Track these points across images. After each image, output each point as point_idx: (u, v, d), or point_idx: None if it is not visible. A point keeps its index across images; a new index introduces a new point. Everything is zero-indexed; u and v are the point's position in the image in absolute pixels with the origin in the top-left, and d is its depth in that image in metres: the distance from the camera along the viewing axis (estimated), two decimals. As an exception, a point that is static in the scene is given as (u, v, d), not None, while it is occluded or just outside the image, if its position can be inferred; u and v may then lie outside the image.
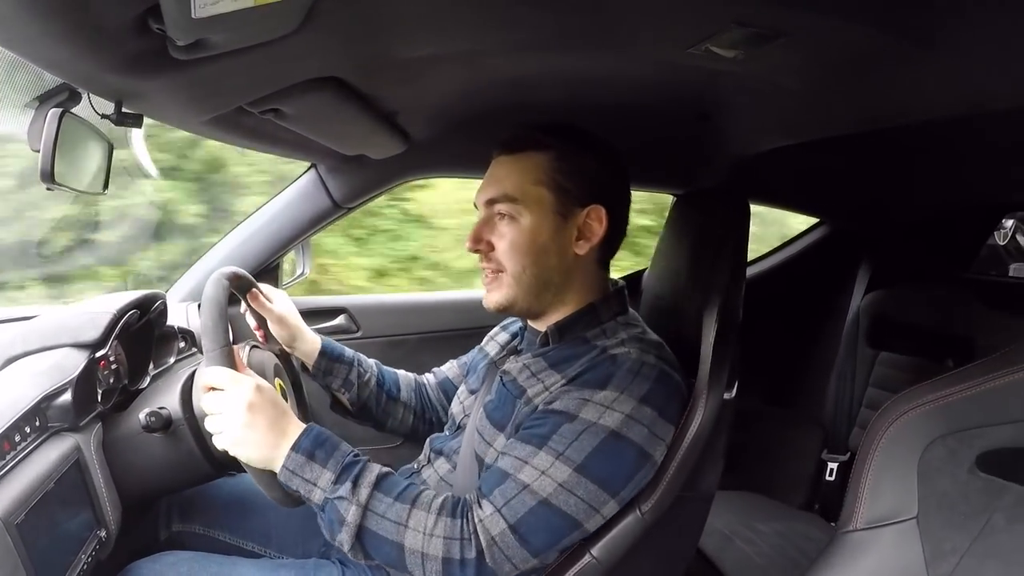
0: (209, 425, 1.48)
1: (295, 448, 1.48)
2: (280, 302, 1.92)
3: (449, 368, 2.26)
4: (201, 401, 1.49)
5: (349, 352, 2.05)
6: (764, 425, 3.40)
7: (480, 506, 1.49)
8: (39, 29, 0.99)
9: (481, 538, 1.45)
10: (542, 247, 1.65)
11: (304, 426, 1.53)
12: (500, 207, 1.66)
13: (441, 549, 1.46)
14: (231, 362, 1.48)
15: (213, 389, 1.47)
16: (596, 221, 1.68)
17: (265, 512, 1.96)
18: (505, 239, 1.66)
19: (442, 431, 2.09)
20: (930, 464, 1.27)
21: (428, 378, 2.27)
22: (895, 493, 1.30)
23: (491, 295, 1.71)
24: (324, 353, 1.98)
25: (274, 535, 1.98)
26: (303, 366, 2.02)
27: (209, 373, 1.46)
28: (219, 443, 1.47)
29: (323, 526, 1.52)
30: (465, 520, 1.48)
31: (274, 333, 1.93)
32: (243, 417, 1.44)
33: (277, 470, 1.49)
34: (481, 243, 1.69)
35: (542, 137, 1.67)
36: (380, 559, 1.50)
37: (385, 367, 2.16)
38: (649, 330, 1.74)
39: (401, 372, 2.20)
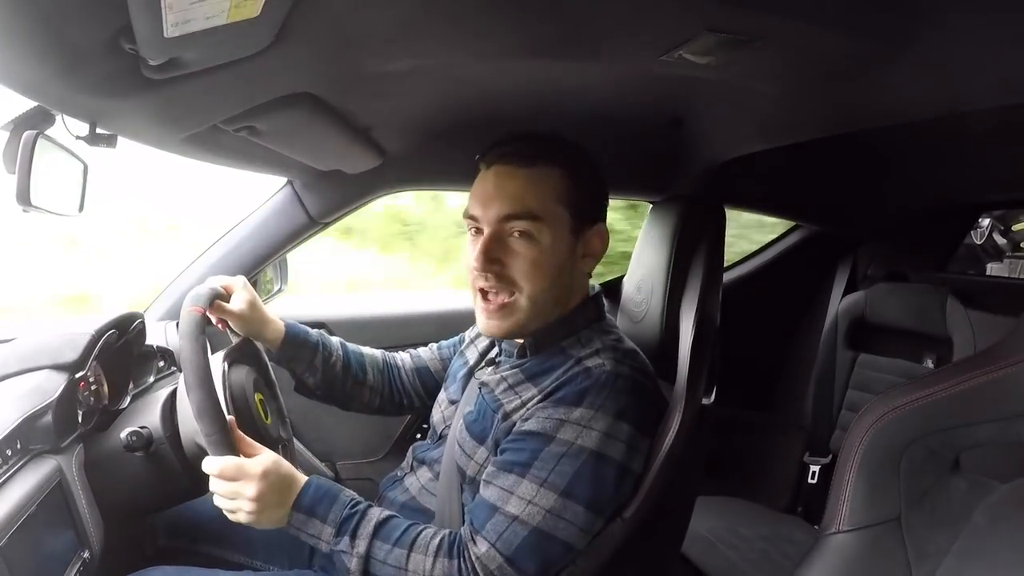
0: (219, 503, 1.51)
1: (295, 508, 1.52)
2: (239, 298, 1.86)
3: (430, 358, 2.22)
4: (210, 485, 1.50)
5: (314, 335, 2.01)
6: (745, 430, 3.42)
7: (475, 543, 1.51)
8: (11, 52, 0.99)
9: (481, 575, 1.48)
10: (559, 267, 1.63)
11: (303, 483, 1.55)
12: (518, 225, 1.59)
13: None
14: (233, 447, 1.48)
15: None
16: (598, 238, 1.69)
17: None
18: (522, 259, 1.60)
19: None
20: (912, 464, 1.27)
21: (403, 359, 2.22)
22: (877, 494, 1.30)
23: (500, 321, 1.65)
24: (287, 341, 1.94)
25: (260, 546, 1.98)
26: (268, 350, 1.98)
27: (215, 465, 1.47)
28: (233, 519, 1.52)
29: (337, 571, 1.60)
30: (462, 559, 1.50)
31: (236, 329, 1.88)
32: (254, 505, 1.48)
33: (286, 526, 1.54)
34: (495, 263, 1.61)
35: (554, 152, 1.63)
36: None
37: (352, 347, 2.12)
38: (624, 337, 1.73)
39: (368, 352, 2.16)
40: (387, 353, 2.21)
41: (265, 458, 1.50)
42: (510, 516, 1.49)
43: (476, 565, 1.48)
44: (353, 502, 1.56)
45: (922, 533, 1.23)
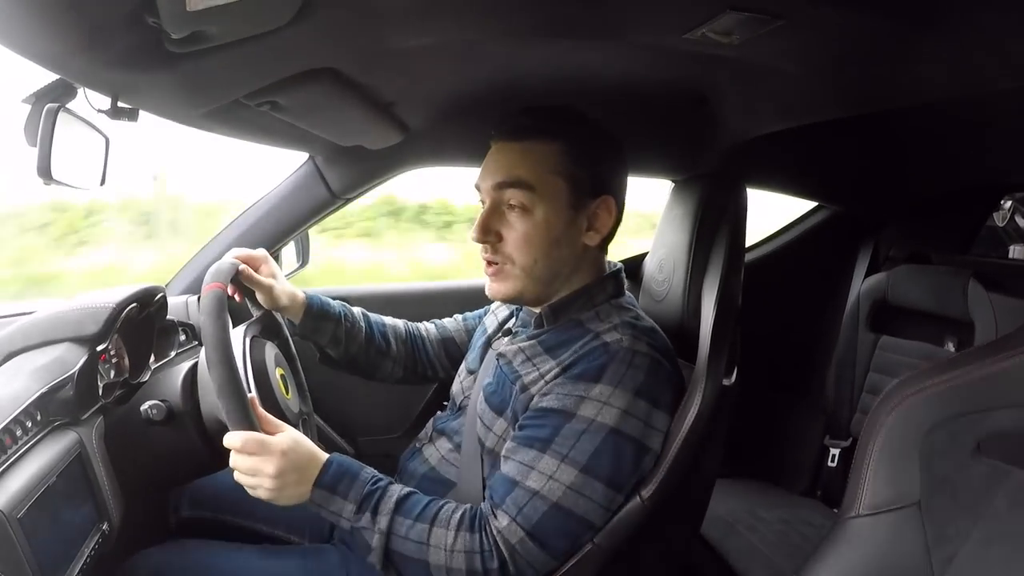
0: (239, 479, 1.51)
1: (317, 485, 1.52)
2: (262, 270, 1.87)
3: (455, 329, 2.26)
4: (231, 460, 1.49)
5: (336, 307, 2.03)
6: (765, 412, 3.40)
7: (496, 517, 1.52)
8: (34, 25, 0.99)
9: (503, 548, 1.49)
10: (555, 240, 1.65)
11: (324, 460, 1.55)
12: (512, 194, 1.64)
13: (464, 563, 1.50)
14: (254, 423, 1.48)
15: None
16: (606, 212, 1.69)
17: None
18: (516, 231, 1.65)
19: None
20: (932, 449, 1.26)
21: (427, 329, 2.26)
22: (897, 478, 1.29)
23: (497, 286, 1.71)
24: (309, 313, 1.96)
25: (283, 517, 1.99)
26: (290, 323, 2.00)
27: (236, 440, 1.46)
28: (253, 495, 1.51)
29: (358, 547, 1.66)
30: (484, 533, 1.51)
31: (259, 302, 1.90)
32: (275, 482, 1.47)
33: (307, 503, 1.53)
34: (490, 234, 1.67)
35: (551, 126, 1.65)
36: None
37: (374, 317, 2.15)
38: (643, 314, 1.74)
39: (390, 322, 2.19)
40: (410, 323, 2.23)
41: (286, 436, 1.50)
42: (530, 491, 1.50)
43: (498, 539, 1.49)
44: (374, 479, 1.57)
45: (942, 518, 1.23)
